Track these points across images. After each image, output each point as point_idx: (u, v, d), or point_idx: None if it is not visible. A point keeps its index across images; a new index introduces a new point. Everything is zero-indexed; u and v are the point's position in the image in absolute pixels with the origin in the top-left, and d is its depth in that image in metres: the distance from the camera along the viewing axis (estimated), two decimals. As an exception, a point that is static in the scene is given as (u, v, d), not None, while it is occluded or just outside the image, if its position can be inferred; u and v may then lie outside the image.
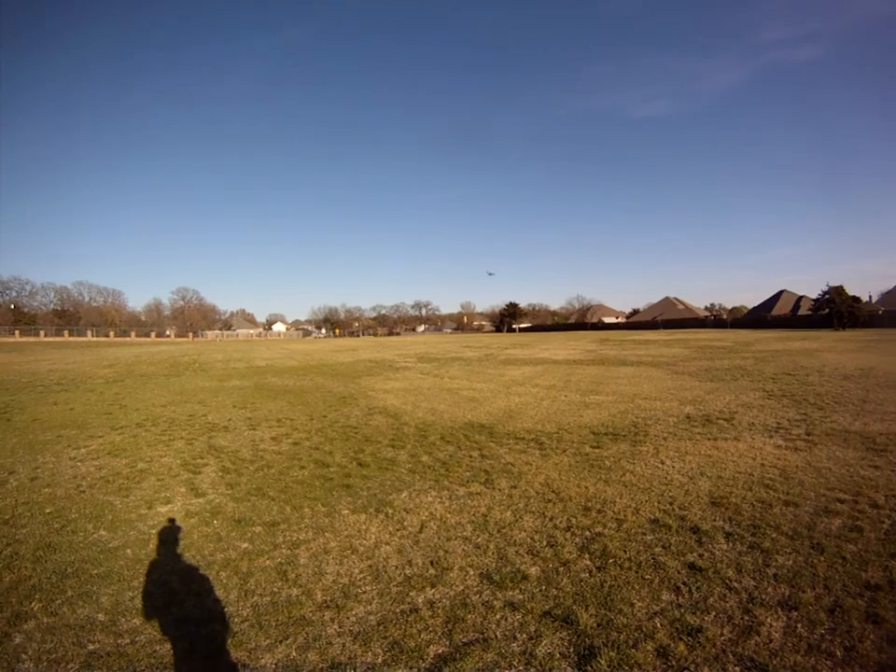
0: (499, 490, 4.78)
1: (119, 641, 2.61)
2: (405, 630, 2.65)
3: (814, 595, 2.82)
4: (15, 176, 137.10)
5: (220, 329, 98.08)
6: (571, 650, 2.45)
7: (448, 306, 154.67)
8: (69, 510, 4.48)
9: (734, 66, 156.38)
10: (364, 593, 3.03)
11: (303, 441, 7.05)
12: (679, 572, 3.14)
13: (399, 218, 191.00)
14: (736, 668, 2.28)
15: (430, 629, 2.65)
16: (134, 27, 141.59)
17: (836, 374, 12.50)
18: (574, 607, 2.79)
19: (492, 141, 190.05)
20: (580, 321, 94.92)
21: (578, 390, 11.36)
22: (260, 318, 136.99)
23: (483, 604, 2.87)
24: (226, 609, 2.89)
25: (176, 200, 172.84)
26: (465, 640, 2.55)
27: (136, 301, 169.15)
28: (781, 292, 71.33)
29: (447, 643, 2.53)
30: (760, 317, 64.75)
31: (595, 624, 2.63)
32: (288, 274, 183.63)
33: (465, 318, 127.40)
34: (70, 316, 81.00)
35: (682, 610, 2.73)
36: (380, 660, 2.43)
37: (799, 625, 2.57)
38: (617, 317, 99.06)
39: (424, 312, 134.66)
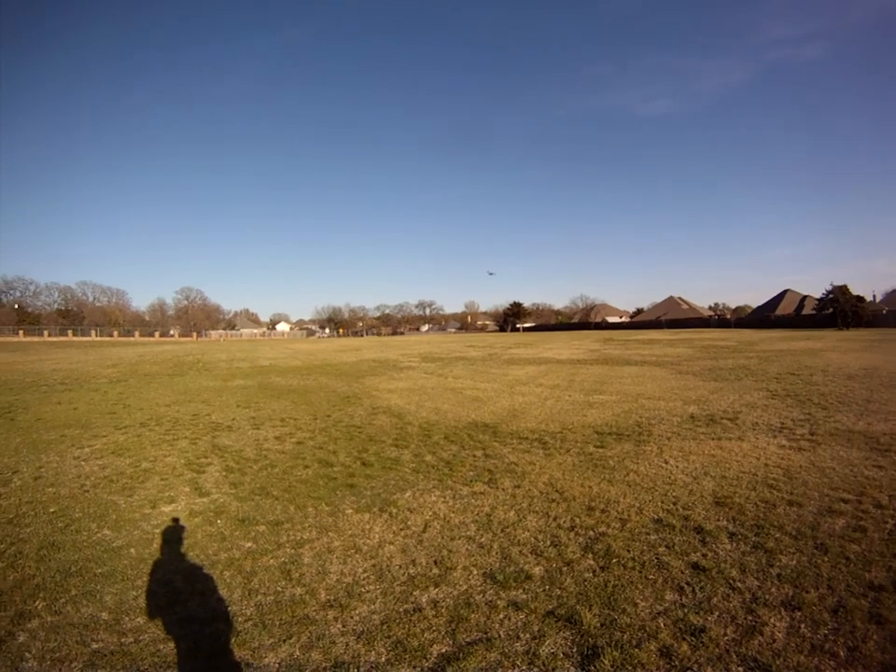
0: (503, 490, 4.78)
1: (122, 640, 2.62)
2: (408, 629, 2.65)
3: (817, 596, 2.81)
4: (15, 176, 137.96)
5: (224, 329, 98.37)
6: (575, 649, 2.45)
7: (452, 306, 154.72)
8: (73, 509, 4.50)
9: (734, 66, 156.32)
10: (368, 592, 3.04)
11: (307, 440, 7.06)
12: (682, 572, 3.13)
13: (400, 218, 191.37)
14: (740, 668, 2.27)
15: (434, 628, 2.65)
16: (134, 27, 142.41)
17: (840, 374, 12.45)
18: (577, 606, 2.79)
19: (492, 141, 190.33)
20: (583, 321, 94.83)
21: (581, 390, 11.34)
22: (264, 318, 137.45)
23: (486, 603, 2.87)
24: (229, 609, 2.90)
25: (177, 200, 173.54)
26: (468, 640, 2.55)
27: (140, 301, 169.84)
28: (785, 292, 71.03)
29: (450, 643, 2.53)
30: (764, 317, 64.50)
31: (598, 624, 2.63)
32: (292, 274, 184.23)
33: (469, 318, 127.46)
34: (74, 316, 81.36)
35: (686, 610, 2.73)
36: (383, 659, 2.43)
37: (802, 626, 2.56)
38: (621, 317, 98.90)
39: (427, 311, 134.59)
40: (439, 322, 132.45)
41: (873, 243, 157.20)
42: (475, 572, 3.23)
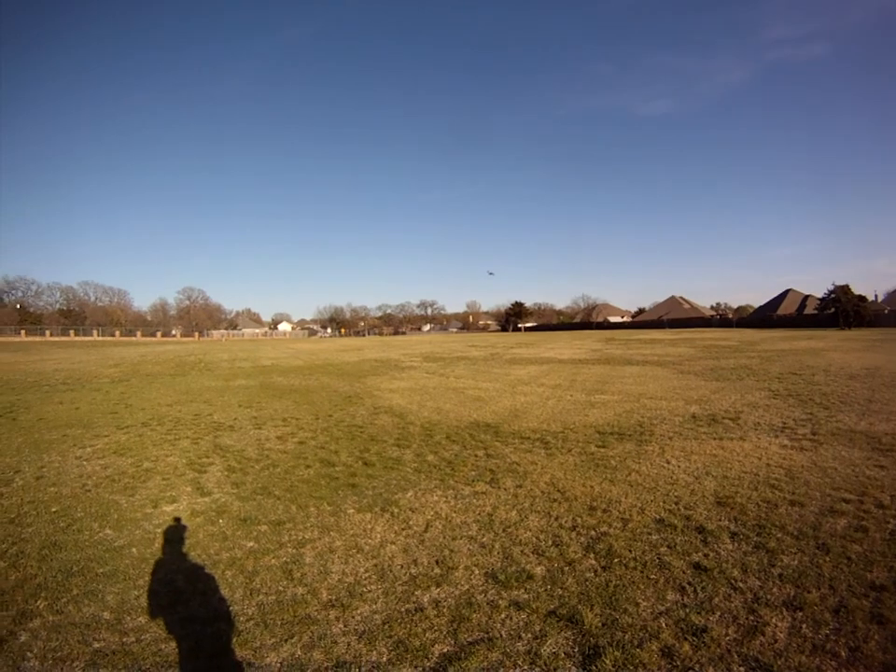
0: (505, 489, 4.78)
1: (124, 640, 2.62)
2: (410, 629, 2.65)
3: (819, 596, 2.81)
4: (15, 176, 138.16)
5: (226, 329, 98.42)
6: (576, 649, 2.45)
7: (454, 305, 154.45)
8: (75, 508, 4.51)
9: (734, 66, 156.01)
10: (369, 592, 3.04)
11: (309, 440, 7.07)
12: (684, 572, 3.13)
13: (400, 218, 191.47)
14: (741, 668, 2.27)
15: (435, 628, 2.65)
16: (134, 27, 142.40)
17: (842, 374, 12.42)
18: (579, 606, 2.79)
19: (492, 141, 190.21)
20: (585, 320, 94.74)
21: (583, 389, 11.34)
22: (266, 318, 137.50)
23: (488, 603, 2.87)
24: (231, 608, 2.90)
25: (178, 200, 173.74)
26: (470, 640, 2.55)
27: (142, 301, 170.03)
28: (787, 291, 70.92)
29: (452, 642, 2.53)
30: (765, 317, 64.41)
31: (600, 624, 2.63)
32: (293, 274, 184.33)
33: (470, 318, 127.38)
34: (76, 316, 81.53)
35: (687, 610, 2.72)
36: (385, 659, 2.43)
37: (804, 626, 2.56)
38: (622, 317, 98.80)
39: (429, 311, 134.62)
40: (440, 322, 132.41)
41: (873, 243, 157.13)
42: (477, 572, 3.23)
